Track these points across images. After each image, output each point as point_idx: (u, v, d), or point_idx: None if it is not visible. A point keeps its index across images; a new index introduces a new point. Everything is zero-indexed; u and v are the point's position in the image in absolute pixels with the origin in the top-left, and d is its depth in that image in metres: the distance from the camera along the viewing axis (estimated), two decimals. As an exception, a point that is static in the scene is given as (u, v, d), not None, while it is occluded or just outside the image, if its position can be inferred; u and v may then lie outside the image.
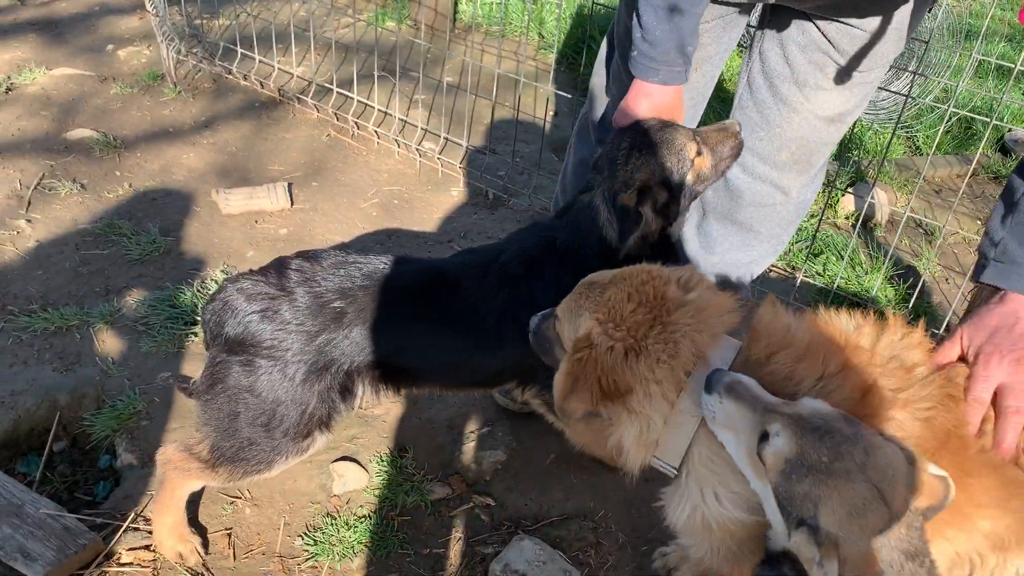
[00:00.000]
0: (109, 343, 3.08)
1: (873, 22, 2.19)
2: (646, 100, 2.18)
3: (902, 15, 2.18)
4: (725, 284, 2.84)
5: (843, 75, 2.31)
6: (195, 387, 2.26)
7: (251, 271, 2.18)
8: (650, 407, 1.65)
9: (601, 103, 2.78)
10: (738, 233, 2.74)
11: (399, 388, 2.32)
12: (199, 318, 3.17)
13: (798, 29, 2.32)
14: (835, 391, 1.53)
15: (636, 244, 2.13)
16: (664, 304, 1.65)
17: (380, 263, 2.20)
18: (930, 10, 2.35)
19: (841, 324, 1.69)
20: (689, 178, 2.18)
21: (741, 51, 4.74)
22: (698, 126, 2.51)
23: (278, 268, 2.14)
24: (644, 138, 2.16)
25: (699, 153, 2.18)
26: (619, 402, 1.67)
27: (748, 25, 2.61)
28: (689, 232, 2.85)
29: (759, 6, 2.39)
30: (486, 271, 2.21)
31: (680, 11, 1.99)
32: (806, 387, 1.55)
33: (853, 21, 2.21)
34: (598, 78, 2.80)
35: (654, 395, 1.63)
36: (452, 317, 2.18)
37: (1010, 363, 1.60)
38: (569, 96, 4.56)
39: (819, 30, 2.26)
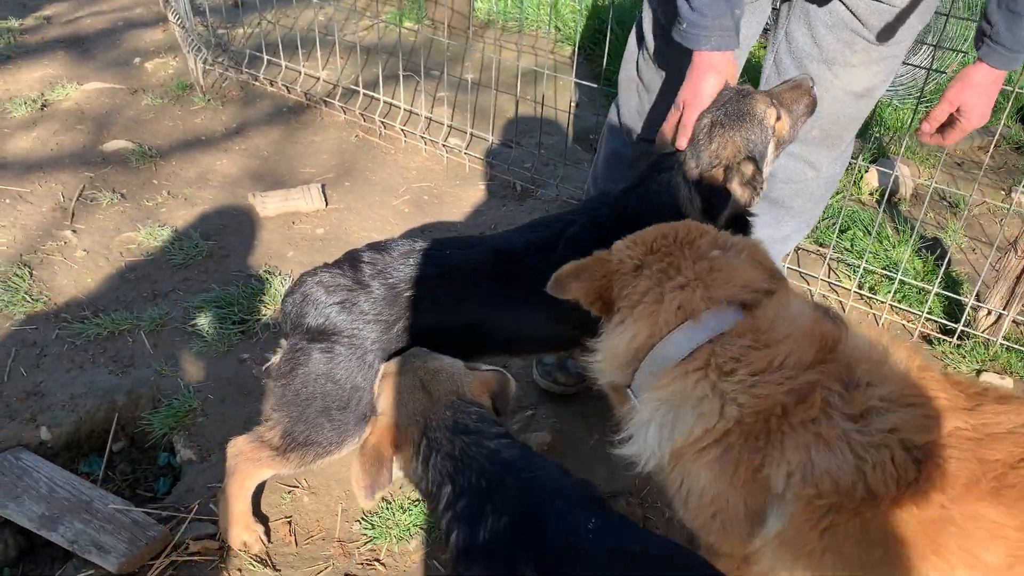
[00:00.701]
0: (161, 345, 3.19)
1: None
2: (711, 73, 2.19)
3: None
4: None
5: (871, 51, 2.36)
6: (273, 369, 2.34)
7: (326, 264, 2.27)
8: (624, 328, 1.77)
9: (628, 97, 2.83)
10: (771, 210, 2.78)
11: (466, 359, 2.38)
12: (247, 315, 3.27)
13: (825, 8, 2.36)
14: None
15: (728, 222, 2.15)
16: (687, 249, 1.76)
17: (447, 248, 2.27)
18: None
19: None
20: (771, 146, 2.22)
21: (764, 34, 4.79)
22: None
23: (351, 261, 2.23)
24: (725, 111, 2.19)
25: (778, 118, 2.21)
26: (606, 311, 1.83)
27: (773, 8, 2.66)
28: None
29: None
30: (556, 243, 2.26)
31: None
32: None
33: None
34: (625, 72, 2.85)
35: (629, 318, 1.76)
36: (522, 292, 2.21)
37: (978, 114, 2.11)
38: (591, 86, 4.63)
39: (847, 7, 2.30)
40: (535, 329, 2.34)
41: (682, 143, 2.23)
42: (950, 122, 2.23)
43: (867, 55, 2.37)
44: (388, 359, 2.19)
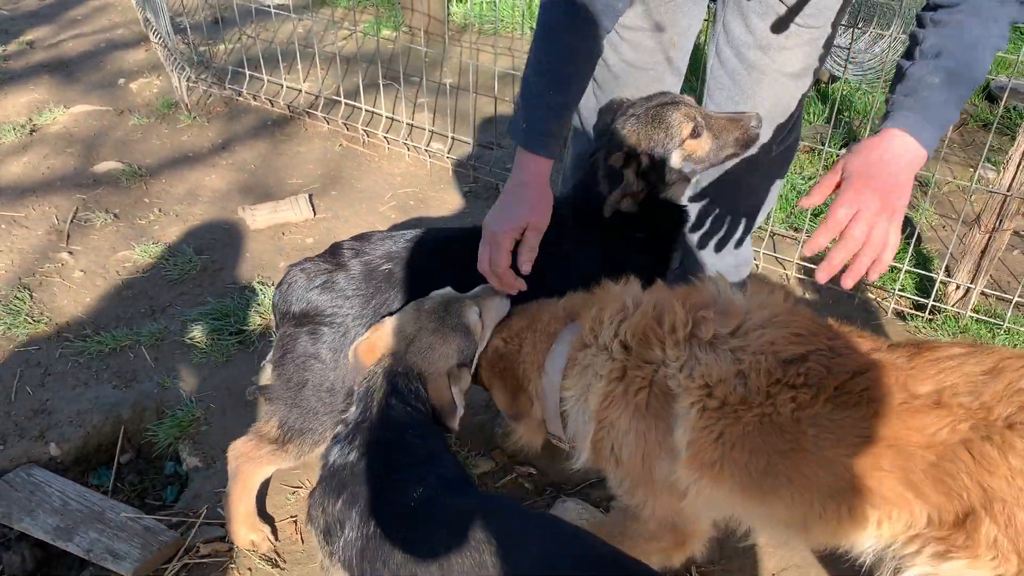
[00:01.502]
0: (161, 359, 3.30)
1: None
2: (538, 174, 2.22)
3: None
4: (727, 239, 3.01)
5: (801, 33, 2.46)
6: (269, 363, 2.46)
7: (310, 257, 2.40)
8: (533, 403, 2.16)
9: (586, 99, 2.92)
10: (731, 188, 2.86)
11: None
12: (243, 326, 3.38)
13: None
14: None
15: (617, 201, 2.32)
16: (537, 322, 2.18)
17: (421, 231, 2.42)
18: None
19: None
20: (676, 155, 2.34)
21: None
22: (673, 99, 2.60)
23: (332, 250, 2.37)
24: (646, 108, 2.35)
25: (695, 135, 2.33)
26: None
27: (711, 1, 2.77)
28: (687, 196, 3.01)
29: None
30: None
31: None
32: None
33: None
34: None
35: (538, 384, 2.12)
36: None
37: (871, 190, 1.81)
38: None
39: None
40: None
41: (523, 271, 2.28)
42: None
43: (798, 37, 2.48)
44: None
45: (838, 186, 1.87)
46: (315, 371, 2.32)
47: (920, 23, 1.98)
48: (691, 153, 2.37)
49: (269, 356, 2.42)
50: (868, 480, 1.66)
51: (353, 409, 1.97)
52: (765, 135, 2.78)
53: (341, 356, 2.31)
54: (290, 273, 2.37)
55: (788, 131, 2.80)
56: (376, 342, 2.03)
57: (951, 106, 1.88)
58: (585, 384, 2.02)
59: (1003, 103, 4.06)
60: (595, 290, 2.13)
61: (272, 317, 2.46)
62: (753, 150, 2.80)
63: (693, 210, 3.00)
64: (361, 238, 2.42)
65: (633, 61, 2.65)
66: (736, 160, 2.50)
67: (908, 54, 1.98)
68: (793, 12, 2.43)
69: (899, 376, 1.67)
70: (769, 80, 2.60)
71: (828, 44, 2.61)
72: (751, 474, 1.80)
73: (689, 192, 2.69)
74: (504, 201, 2.21)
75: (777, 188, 2.98)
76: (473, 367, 2.13)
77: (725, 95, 2.69)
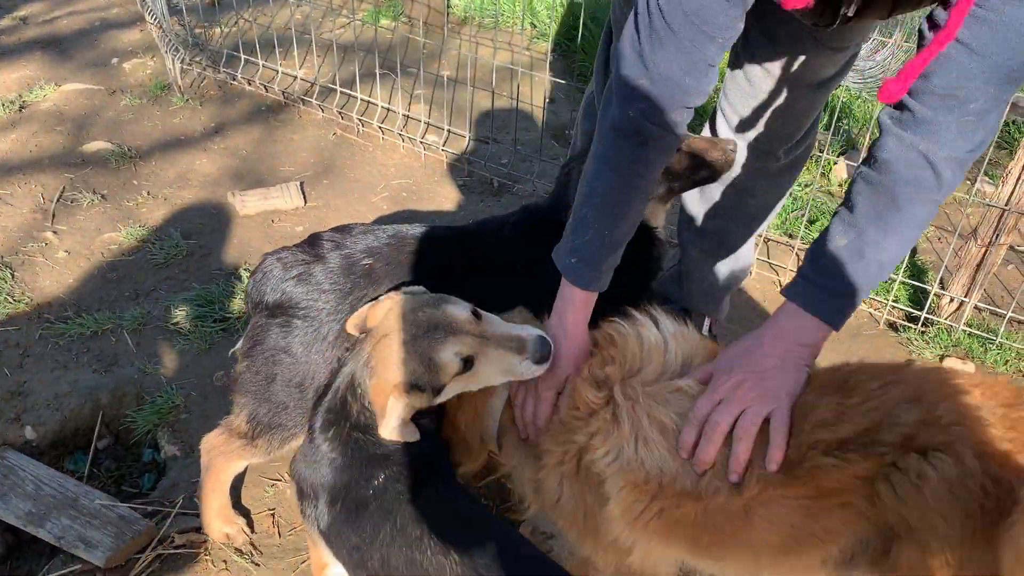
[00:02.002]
0: (143, 344, 3.24)
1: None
2: (582, 315, 2.03)
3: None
4: (726, 243, 2.98)
5: (820, 48, 2.44)
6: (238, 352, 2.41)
7: (288, 246, 2.34)
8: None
9: (599, 82, 2.94)
10: (735, 193, 2.86)
11: None
12: (228, 313, 3.33)
13: (782, 18, 2.43)
14: None
15: None
16: None
17: (403, 227, 2.38)
18: None
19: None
20: None
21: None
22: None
23: (312, 241, 2.31)
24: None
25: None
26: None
27: None
28: (693, 197, 2.97)
29: None
30: (501, 229, 2.42)
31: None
32: None
33: None
34: (599, 61, 2.94)
35: None
36: (477, 268, 2.34)
37: (731, 385, 1.72)
38: (564, 83, 4.70)
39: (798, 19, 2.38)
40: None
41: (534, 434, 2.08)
42: None
43: (817, 50, 2.44)
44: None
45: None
46: (285, 365, 2.27)
47: (866, 159, 1.79)
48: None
49: (239, 344, 2.37)
50: (811, 525, 1.64)
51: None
52: (775, 142, 2.75)
53: (312, 350, 2.26)
54: (266, 261, 2.32)
55: (798, 140, 2.77)
56: (371, 317, 1.91)
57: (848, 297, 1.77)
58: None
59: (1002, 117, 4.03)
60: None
61: (245, 298, 2.41)
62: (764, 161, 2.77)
63: (698, 213, 2.98)
64: (342, 230, 2.37)
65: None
66: (712, 182, 2.48)
67: (854, 181, 1.80)
68: (832, 39, 2.38)
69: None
70: (785, 87, 2.56)
71: (851, 61, 2.57)
72: (697, 536, 1.75)
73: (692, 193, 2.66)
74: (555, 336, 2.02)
75: (784, 196, 2.95)
76: (434, 402, 1.89)
77: (739, 95, 2.67)
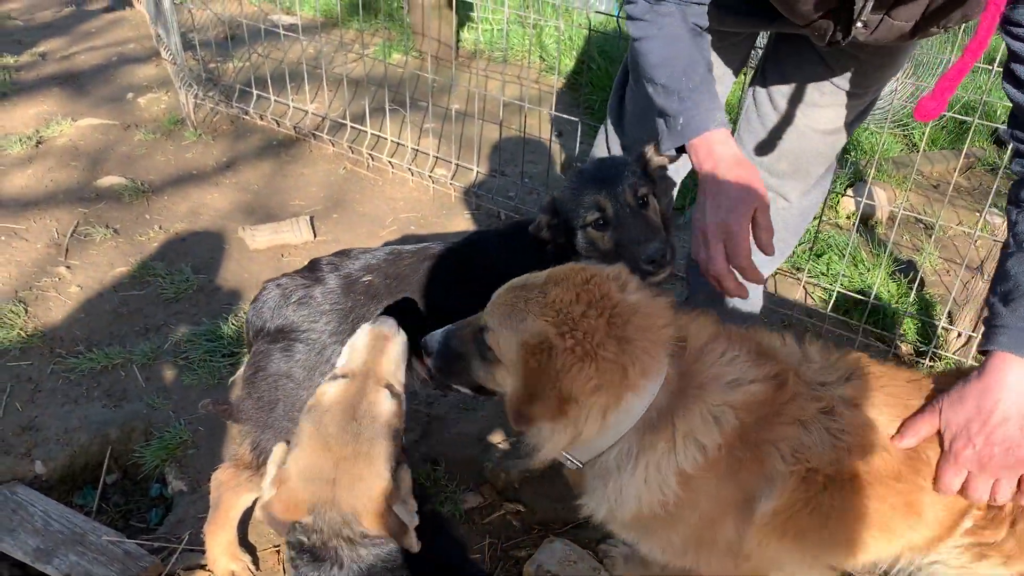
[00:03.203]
0: (153, 379, 3.27)
1: (864, 49, 2.31)
2: (728, 146, 2.07)
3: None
4: None
5: (838, 94, 2.45)
6: (233, 408, 2.42)
7: (287, 272, 2.37)
8: (587, 423, 1.66)
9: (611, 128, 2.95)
10: None
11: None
12: (236, 348, 3.36)
13: (794, 49, 2.45)
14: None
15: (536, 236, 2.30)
16: (614, 309, 1.66)
17: (399, 247, 2.40)
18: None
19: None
20: (579, 235, 2.25)
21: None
22: None
23: (312, 266, 2.34)
24: (590, 170, 2.30)
25: (598, 226, 2.22)
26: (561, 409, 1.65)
27: (755, 47, 2.76)
28: None
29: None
30: (491, 238, 2.46)
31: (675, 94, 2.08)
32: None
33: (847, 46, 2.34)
34: (614, 97, 2.93)
35: (594, 412, 1.65)
36: (473, 279, 2.27)
37: (977, 460, 1.64)
38: (572, 119, 4.73)
39: (817, 52, 2.39)
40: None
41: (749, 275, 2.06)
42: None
43: (835, 98, 2.45)
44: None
45: (937, 432, 1.71)
46: (287, 391, 2.27)
47: (1013, 199, 1.79)
48: (592, 239, 2.24)
49: (240, 372, 2.38)
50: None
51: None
52: (787, 188, 2.75)
53: (316, 373, 2.25)
54: (266, 288, 2.34)
55: (811, 186, 2.76)
56: (292, 497, 1.66)
57: None
58: (669, 446, 1.70)
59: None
60: (701, 320, 1.80)
61: (246, 335, 2.42)
62: (776, 203, 2.76)
63: None
64: (341, 254, 2.39)
65: None
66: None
67: (1007, 242, 1.77)
68: (831, 71, 2.41)
69: None
70: (797, 133, 2.59)
71: (868, 108, 2.58)
72: (814, 531, 1.76)
73: None
74: (715, 191, 2.02)
75: (797, 240, 2.94)
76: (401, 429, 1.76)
77: (753, 139, 2.70)
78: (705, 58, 2.13)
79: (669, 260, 2.13)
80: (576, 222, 2.24)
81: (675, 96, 2.07)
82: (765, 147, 2.68)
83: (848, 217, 4.41)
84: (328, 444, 1.65)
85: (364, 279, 2.29)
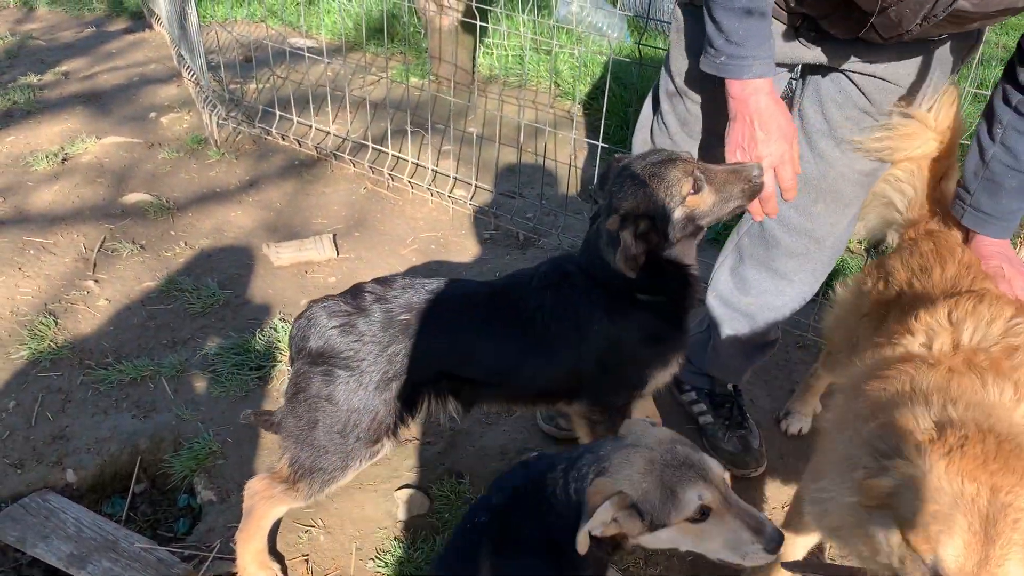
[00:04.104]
0: (181, 391, 3.33)
1: (908, 78, 2.31)
2: (755, 96, 2.15)
3: (937, 72, 2.31)
4: (757, 323, 2.94)
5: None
6: (275, 419, 2.50)
7: (332, 295, 2.44)
8: None
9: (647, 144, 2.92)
10: (772, 279, 2.82)
11: (460, 399, 2.50)
12: (263, 362, 3.42)
13: (836, 86, 2.41)
14: None
15: (625, 265, 2.24)
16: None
17: (442, 283, 2.45)
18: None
19: None
20: (679, 212, 2.25)
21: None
22: None
23: (355, 291, 2.41)
24: (643, 167, 2.28)
25: (696, 190, 2.24)
26: None
27: (791, 79, 2.72)
28: (723, 275, 2.95)
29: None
30: (530, 282, 2.46)
31: (757, 13, 2.06)
32: None
33: (890, 76, 2.31)
34: (640, 136, 2.90)
35: None
36: (504, 322, 2.40)
37: None
38: (594, 142, 4.82)
39: (856, 87, 2.37)
40: (514, 359, 2.45)
41: (790, 195, 2.29)
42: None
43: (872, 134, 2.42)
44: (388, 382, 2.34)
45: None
46: (327, 412, 2.35)
47: (1006, 98, 2.11)
48: (694, 208, 2.27)
49: (286, 387, 2.46)
50: None
51: None
52: (821, 231, 2.67)
53: (355, 399, 2.34)
54: (311, 309, 2.42)
55: (845, 228, 2.71)
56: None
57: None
58: None
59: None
60: None
61: (288, 342, 2.50)
62: (808, 248, 2.74)
63: (730, 291, 2.94)
64: (383, 282, 2.45)
65: (689, 122, 2.65)
66: (741, 211, 2.35)
67: (989, 125, 2.15)
68: (871, 102, 2.40)
69: None
70: (835, 174, 2.53)
71: None
72: None
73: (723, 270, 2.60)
74: (765, 120, 2.18)
75: (821, 279, 2.88)
76: (639, 539, 1.80)
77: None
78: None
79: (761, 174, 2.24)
80: (673, 203, 2.24)
81: (748, 20, 2.08)
82: (800, 188, 2.52)
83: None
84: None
85: (402, 317, 2.36)
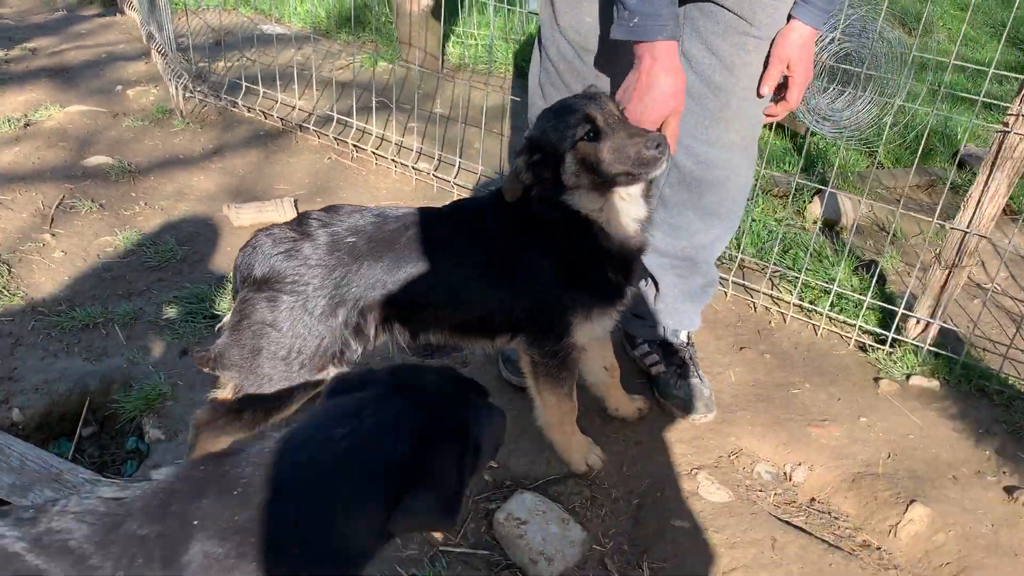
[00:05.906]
0: (133, 338, 3.32)
1: None
2: (668, 59, 2.23)
3: None
4: (697, 264, 3.04)
5: (762, 47, 2.52)
6: (211, 354, 2.48)
7: (278, 223, 2.44)
8: None
9: (534, 105, 2.99)
10: (702, 218, 2.91)
11: (407, 327, 2.51)
12: (218, 312, 3.42)
13: (712, 19, 2.52)
14: None
15: (507, 187, 2.33)
16: None
17: (390, 208, 2.47)
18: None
19: None
20: (569, 156, 2.26)
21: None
22: None
23: (300, 219, 2.42)
24: (559, 105, 2.34)
25: (592, 139, 2.23)
26: None
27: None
28: (653, 230, 2.90)
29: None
30: (475, 212, 2.51)
31: None
32: None
33: None
34: (531, 81, 2.98)
35: None
36: (447, 244, 2.41)
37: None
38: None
39: (728, 11, 2.47)
40: (462, 284, 2.47)
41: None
42: (783, 85, 2.58)
43: (760, 52, 2.54)
44: (334, 308, 2.33)
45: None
46: (271, 339, 2.34)
47: None
48: (586, 156, 2.24)
49: (225, 319, 2.45)
50: None
51: None
52: (736, 160, 2.81)
53: (299, 324, 2.33)
54: (256, 237, 2.42)
55: (752, 154, 2.83)
56: None
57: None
58: None
59: (971, 169, 4.23)
60: None
61: (233, 272, 2.50)
62: (727, 177, 2.84)
63: (672, 247, 3.01)
64: (330, 210, 2.47)
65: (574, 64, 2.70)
66: (631, 181, 2.29)
67: None
68: (750, 23, 2.49)
69: None
70: (737, 101, 2.63)
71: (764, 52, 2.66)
72: None
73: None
74: (646, 88, 2.26)
75: (741, 209, 2.98)
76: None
77: (694, 120, 2.69)
78: None
79: (667, 145, 2.21)
80: (564, 144, 2.24)
81: None
82: (707, 124, 2.69)
83: (814, 222, 4.58)
84: None
85: (348, 240, 2.37)
